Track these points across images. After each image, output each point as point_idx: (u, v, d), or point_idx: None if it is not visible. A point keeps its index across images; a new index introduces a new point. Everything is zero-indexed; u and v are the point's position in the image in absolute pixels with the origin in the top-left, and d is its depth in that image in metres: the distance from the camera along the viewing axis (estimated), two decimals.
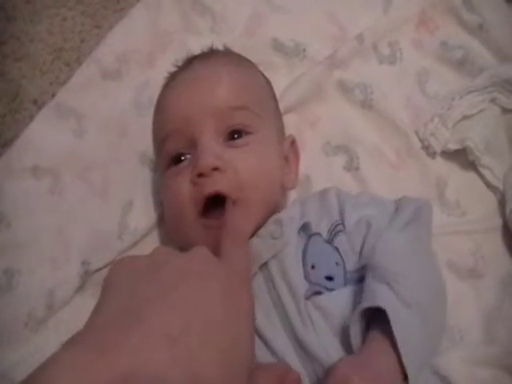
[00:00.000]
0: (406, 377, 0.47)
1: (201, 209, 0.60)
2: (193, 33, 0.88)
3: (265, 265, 0.58)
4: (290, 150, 0.71)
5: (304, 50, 0.85)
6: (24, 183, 0.75)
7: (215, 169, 0.59)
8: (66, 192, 0.76)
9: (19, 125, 0.80)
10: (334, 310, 0.54)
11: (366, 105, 0.80)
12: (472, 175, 0.76)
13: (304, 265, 0.57)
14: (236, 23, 0.88)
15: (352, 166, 0.77)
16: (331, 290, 0.56)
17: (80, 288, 0.71)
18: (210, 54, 0.72)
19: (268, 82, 0.73)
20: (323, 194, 0.66)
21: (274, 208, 0.64)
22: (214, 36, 0.85)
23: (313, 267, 0.57)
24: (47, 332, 0.68)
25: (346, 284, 0.57)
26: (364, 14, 0.87)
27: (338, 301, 0.55)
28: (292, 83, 0.81)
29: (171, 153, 0.64)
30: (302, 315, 0.54)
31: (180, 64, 0.71)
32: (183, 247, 0.66)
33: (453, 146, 0.75)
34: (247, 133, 0.63)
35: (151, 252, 0.40)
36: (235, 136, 0.63)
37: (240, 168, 0.60)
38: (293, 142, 0.72)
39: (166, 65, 0.75)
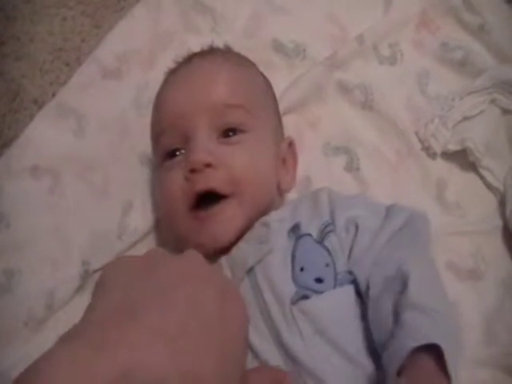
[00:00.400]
0: None
1: (192, 204, 0.61)
2: (193, 32, 0.88)
3: (251, 270, 0.57)
4: (287, 152, 0.71)
5: (304, 50, 0.85)
6: (24, 183, 0.75)
7: (207, 165, 0.60)
8: (65, 192, 0.76)
9: (19, 124, 0.80)
10: (321, 314, 0.53)
11: (367, 105, 0.80)
12: (472, 176, 0.76)
13: (293, 268, 0.56)
14: (236, 23, 0.88)
15: (352, 167, 0.77)
16: (320, 292, 0.55)
17: (80, 288, 0.71)
18: (210, 52, 0.72)
19: (267, 83, 0.73)
20: (315, 194, 0.65)
21: (267, 208, 0.64)
22: (214, 36, 0.85)
23: (302, 269, 0.56)
24: (47, 332, 0.68)
25: (335, 286, 0.56)
26: (364, 14, 0.87)
27: (327, 304, 0.54)
28: (292, 84, 0.81)
29: (166, 148, 0.65)
30: (288, 322, 0.53)
31: (180, 60, 0.72)
32: (181, 246, 0.67)
33: (453, 147, 0.75)
34: (241, 131, 0.64)
35: (146, 253, 0.40)
36: (230, 134, 0.63)
37: (232, 165, 0.61)
38: (291, 144, 0.72)
39: (166, 65, 0.75)
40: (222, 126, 0.63)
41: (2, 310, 0.68)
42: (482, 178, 0.75)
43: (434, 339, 0.44)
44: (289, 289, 0.55)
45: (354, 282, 0.56)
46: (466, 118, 0.76)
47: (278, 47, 0.85)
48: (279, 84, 0.78)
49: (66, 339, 0.31)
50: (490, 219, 0.73)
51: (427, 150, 0.77)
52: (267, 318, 0.54)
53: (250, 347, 0.53)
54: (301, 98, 0.81)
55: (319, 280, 0.55)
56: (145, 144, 0.76)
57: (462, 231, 0.72)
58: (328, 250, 0.58)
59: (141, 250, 0.74)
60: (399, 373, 0.44)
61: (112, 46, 0.86)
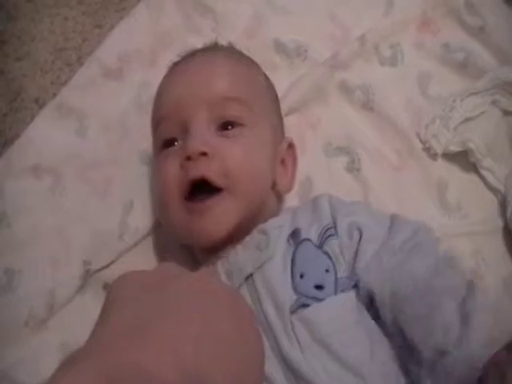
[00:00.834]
0: None
1: (185, 192, 0.61)
2: (194, 33, 0.88)
3: (250, 277, 0.57)
4: (287, 153, 0.70)
5: (305, 51, 0.85)
6: (25, 183, 0.75)
7: (203, 154, 0.60)
8: (66, 192, 0.76)
9: (20, 124, 0.80)
10: (320, 323, 0.53)
11: (368, 106, 0.80)
12: (473, 177, 0.76)
13: (292, 274, 0.56)
14: (237, 23, 0.88)
15: (353, 168, 0.77)
16: (320, 300, 0.54)
17: (81, 288, 0.71)
18: (213, 48, 0.73)
19: (269, 83, 0.73)
20: (315, 200, 0.65)
21: (261, 207, 0.64)
22: (215, 36, 0.85)
23: (301, 276, 0.56)
24: (47, 332, 0.68)
25: (336, 292, 0.55)
26: (366, 15, 0.87)
27: (327, 312, 0.54)
28: (293, 84, 0.81)
29: (164, 137, 0.65)
30: (287, 331, 0.53)
31: (183, 55, 0.72)
32: (184, 244, 0.67)
33: (454, 148, 0.75)
34: (240, 125, 0.64)
35: (158, 267, 0.40)
36: (228, 127, 0.63)
37: (227, 157, 0.61)
38: (291, 145, 0.72)
39: (167, 65, 0.75)
40: (220, 118, 0.63)
41: (2, 310, 0.68)
42: (482, 178, 0.75)
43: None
44: (289, 297, 0.54)
45: (355, 287, 0.56)
46: (467, 119, 0.76)
47: (279, 47, 0.85)
48: (280, 84, 0.78)
49: (75, 362, 0.30)
50: (490, 220, 0.73)
51: (428, 150, 0.77)
52: (266, 328, 0.54)
53: None
54: (302, 98, 0.81)
55: (319, 287, 0.55)
56: (146, 144, 0.76)
57: (463, 232, 0.72)
58: (328, 255, 0.58)
59: (142, 249, 0.74)
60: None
61: (113, 45, 0.86)
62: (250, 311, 0.39)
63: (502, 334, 0.49)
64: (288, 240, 0.59)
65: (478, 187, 0.75)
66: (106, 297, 0.37)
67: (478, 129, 0.75)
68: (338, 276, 0.56)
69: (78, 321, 0.69)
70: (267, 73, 0.74)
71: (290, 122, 0.77)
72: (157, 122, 0.67)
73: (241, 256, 0.59)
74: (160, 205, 0.67)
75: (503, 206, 0.73)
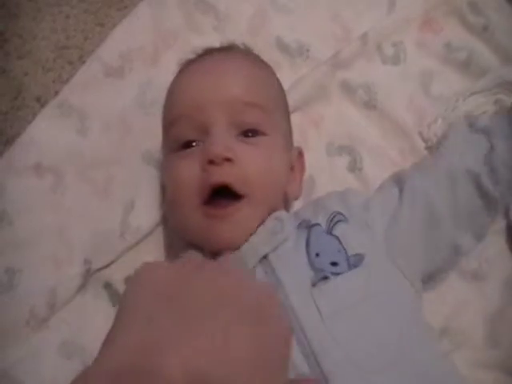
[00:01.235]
0: None
1: (205, 197, 0.60)
2: (196, 31, 0.88)
3: (265, 258, 0.59)
4: (296, 160, 0.71)
5: (307, 50, 0.84)
6: (26, 181, 0.75)
7: (227, 159, 0.59)
8: (68, 190, 0.76)
9: (21, 122, 0.80)
10: (341, 294, 0.55)
11: (370, 105, 0.80)
12: None
13: (308, 253, 0.58)
14: (239, 22, 0.88)
15: (355, 167, 0.77)
16: (337, 274, 0.57)
17: (81, 287, 0.71)
18: (230, 48, 0.72)
19: (282, 88, 0.73)
20: (316, 199, 0.69)
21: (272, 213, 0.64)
22: (217, 35, 0.85)
23: (317, 255, 0.58)
24: (48, 330, 0.68)
25: (350, 268, 0.58)
26: (368, 14, 0.87)
27: (345, 284, 0.56)
28: (295, 83, 0.81)
29: (180, 137, 0.64)
30: (307, 303, 0.54)
31: (199, 52, 0.71)
32: (186, 240, 0.66)
33: None
34: (261, 133, 0.63)
35: (179, 261, 0.37)
36: (249, 134, 0.63)
37: (249, 164, 0.61)
38: (300, 153, 0.72)
39: (169, 63, 0.75)
40: (241, 123, 0.63)
41: (3, 309, 0.68)
42: None
43: None
44: (307, 272, 0.57)
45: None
46: None
47: (282, 46, 0.85)
48: (283, 83, 0.78)
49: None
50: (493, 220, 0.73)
51: (430, 150, 0.77)
52: (284, 301, 0.55)
53: None
54: (304, 97, 0.81)
55: (334, 263, 0.58)
56: (148, 143, 0.76)
57: None
58: (338, 239, 0.60)
59: (143, 248, 0.74)
60: None
61: (115, 44, 0.85)
62: (274, 298, 0.37)
63: None
64: (298, 226, 0.62)
65: None
66: (120, 298, 0.35)
67: None
68: (349, 254, 0.59)
69: (79, 320, 0.69)
70: None
71: (292, 121, 0.76)
72: (171, 122, 0.66)
73: (252, 241, 0.60)
74: (173, 205, 0.66)
75: (506, 206, 0.72)
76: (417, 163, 0.73)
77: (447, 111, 0.77)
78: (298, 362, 0.51)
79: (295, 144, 0.73)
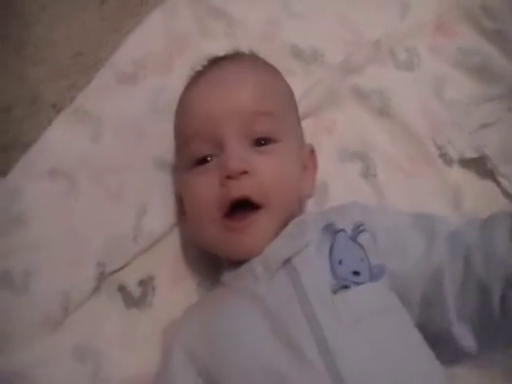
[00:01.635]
0: None
1: (226, 211, 0.61)
2: (208, 38, 0.88)
3: (288, 261, 0.59)
4: (308, 159, 0.71)
5: (322, 55, 0.85)
6: (41, 186, 0.75)
7: (243, 172, 0.60)
8: (82, 195, 0.76)
9: (37, 128, 0.80)
10: (361, 304, 0.56)
11: (383, 112, 0.80)
12: (489, 184, 0.76)
13: (331, 260, 0.58)
14: (251, 28, 0.88)
15: (369, 173, 0.77)
16: (358, 284, 0.57)
17: (95, 290, 0.71)
18: (237, 56, 0.72)
19: (290, 90, 0.73)
20: (342, 204, 0.68)
21: (291, 216, 0.64)
22: (229, 41, 0.85)
23: (340, 262, 0.58)
24: (62, 333, 0.68)
25: (371, 279, 0.58)
26: (381, 19, 0.87)
27: (366, 295, 0.57)
28: (309, 89, 0.82)
29: (196, 153, 0.64)
30: (327, 308, 0.54)
31: (205, 63, 0.71)
32: (203, 248, 0.67)
33: (470, 154, 0.75)
34: (274, 141, 0.64)
35: None
36: (261, 143, 0.63)
37: (265, 174, 0.61)
38: (312, 151, 0.72)
39: (182, 69, 0.75)
40: (253, 133, 0.63)
41: (18, 311, 0.68)
42: (499, 185, 0.75)
43: None
44: (329, 280, 0.57)
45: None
46: (482, 126, 0.76)
47: (296, 53, 0.86)
48: (296, 89, 0.77)
49: None
50: None
51: (444, 156, 0.77)
52: (305, 305, 0.55)
53: (284, 334, 0.54)
54: (317, 102, 0.81)
55: (356, 273, 0.57)
56: (160, 148, 0.76)
57: None
58: (362, 247, 0.60)
59: (156, 252, 0.74)
60: None
61: (129, 51, 0.86)
62: None
63: None
64: (323, 231, 0.61)
65: (494, 194, 0.75)
66: None
67: (494, 135, 0.75)
68: (372, 265, 0.59)
69: (93, 322, 0.70)
70: None
71: (305, 127, 0.76)
72: (187, 139, 0.66)
73: (275, 245, 0.60)
74: (194, 221, 0.66)
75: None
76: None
77: (460, 117, 0.77)
78: (317, 364, 0.51)
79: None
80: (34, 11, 0.90)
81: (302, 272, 0.57)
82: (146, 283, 0.72)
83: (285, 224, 0.63)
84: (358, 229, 0.61)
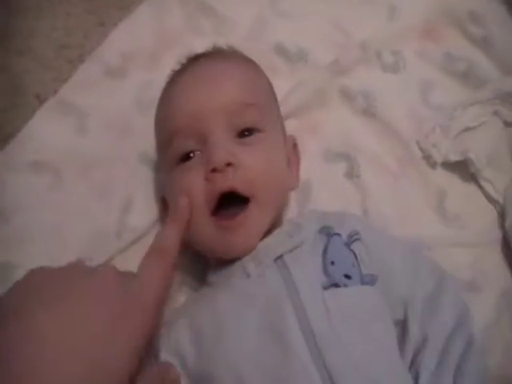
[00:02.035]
0: None
1: (213, 206, 0.60)
2: (197, 33, 0.88)
3: (280, 258, 0.58)
4: (291, 151, 0.71)
5: (307, 55, 0.85)
6: (24, 179, 0.75)
7: (228, 164, 0.59)
8: (65, 188, 0.75)
9: (21, 119, 0.79)
10: (352, 302, 0.56)
11: (369, 113, 0.80)
12: (472, 187, 0.76)
13: (324, 260, 0.58)
14: (240, 26, 0.88)
15: (353, 174, 0.77)
16: (349, 286, 0.57)
17: None
18: (217, 52, 0.72)
19: (270, 83, 0.73)
20: (343, 212, 0.69)
21: (280, 209, 0.64)
22: (217, 37, 0.85)
23: (332, 263, 0.58)
24: None
25: (362, 284, 0.58)
26: (368, 21, 0.88)
27: (356, 296, 0.57)
28: (294, 88, 0.81)
29: (181, 150, 0.63)
30: (318, 304, 0.54)
31: (184, 61, 0.71)
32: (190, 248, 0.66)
33: (454, 158, 0.75)
34: (257, 130, 0.63)
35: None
36: (245, 133, 0.63)
37: (251, 165, 0.60)
38: (295, 145, 0.72)
39: (169, 64, 0.74)
40: (239, 125, 0.62)
41: None
42: (482, 189, 0.75)
43: None
44: (320, 276, 0.57)
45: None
46: (467, 129, 0.76)
47: (281, 51, 0.86)
48: (281, 88, 0.77)
49: None
50: (489, 231, 0.73)
51: (428, 159, 0.77)
52: (296, 301, 0.55)
53: (273, 329, 0.53)
54: (302, 102, 0.81)
55: (348, 276, 0.57)
56: (146, 143, 0.76)
57: (461, 243, 0.72)
58: (354, 254, 0.60)
59: (140, 248, 0.73)
60: None
61: (115, 44, 0.85)
62: (135, 310, 0.48)
63: None
64: (319, 232, 0.61)
65: (477, 197, 0.76)
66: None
67: (478, 139, 0.75)
68: (363, 273, 0.59)
69: None
70: (268, 76, 0.74)
71: (289, 127, 0.76)
72: (170, 136, 0.64)
73: (269, 242, 0.60)
74: None
75: (502, 217, 0.73)
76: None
77: (445, 121, 0.78)
78: (304, 357, 0.51)
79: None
80: (18, 1, 0.89)
81: (293, 268, 0.57)
82: None
83: (275, 218, 0.63)
84: (353, 237, 0.61)
